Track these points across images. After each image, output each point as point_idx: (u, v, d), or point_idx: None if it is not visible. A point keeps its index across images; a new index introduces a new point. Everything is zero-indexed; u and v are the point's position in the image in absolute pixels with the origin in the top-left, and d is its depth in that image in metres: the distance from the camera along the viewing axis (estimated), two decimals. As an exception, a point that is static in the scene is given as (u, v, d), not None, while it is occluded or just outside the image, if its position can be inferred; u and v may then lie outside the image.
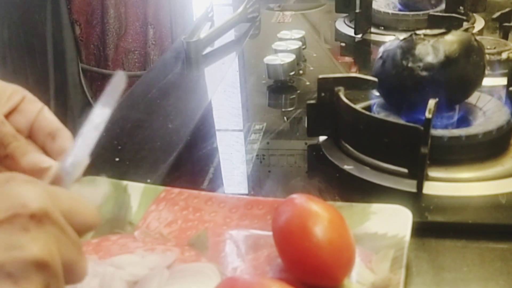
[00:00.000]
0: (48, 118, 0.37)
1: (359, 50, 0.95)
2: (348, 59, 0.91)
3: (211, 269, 0.44)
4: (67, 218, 0.29)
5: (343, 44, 0.97)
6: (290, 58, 0.78)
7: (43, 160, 0.33)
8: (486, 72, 0.60)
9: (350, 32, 0.97)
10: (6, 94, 0.37)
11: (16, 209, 0.27)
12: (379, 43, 0.89)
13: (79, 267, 0.29)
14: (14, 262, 0.26)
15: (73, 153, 0.34)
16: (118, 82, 0.35)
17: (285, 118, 0.70)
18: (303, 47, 0.87)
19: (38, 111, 0.37)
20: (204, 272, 0.43)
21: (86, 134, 0.34)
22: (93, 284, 0.42)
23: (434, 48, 0.57)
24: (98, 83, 1.86)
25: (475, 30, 0.94)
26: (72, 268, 0.29)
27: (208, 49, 0.93)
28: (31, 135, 0.37)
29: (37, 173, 0.32)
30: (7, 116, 0.37)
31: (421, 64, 0.57)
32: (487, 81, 0.63)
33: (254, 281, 0.38)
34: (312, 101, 0.61)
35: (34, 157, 0.33)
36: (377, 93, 0.63)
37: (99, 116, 0.35)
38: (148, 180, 0.56)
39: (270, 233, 0.43)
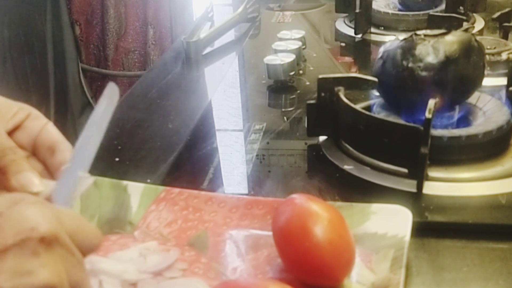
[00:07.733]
0: (50, 132, 0.37)
1: (359, 50, 0.95)
2: (348, 59, 0.91)
3: (201, 284, 0.42)
4: (72, 238, 0.29)
5: (343, 44, 0.97)
6: (290, 58, 0.78)
7: (34, 184, 0.33)
8: (486, 72, 0.60)
9: (350, 32, 0.97)
10: (12, 111, 0.37)
11: (26, 233, 0.27)
12: (379, 43, 0.89)
13: (85, 286, 0.30)
14: None
15: (71, 170, 0.33)
16: (111, 94, 0.35)
17: (285, 118, 0.70)
18: (303, 47, 0.87)
19: (42, 127, 0.37)
20: (192, 286, 0.43)
21: (83, 147, 0.33)
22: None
23: (434, 48, 0.57)
24: (98, 83, 1.86)
25: (475, 30, 0.94)
26: (78, 287, 0.29)
27: (208, 49, 0.93)
28: (34, 152, 0.37)
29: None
30: (11, 133, 0.37)
31: (421, 65, 0.57)
32: (487, 81, 0.63)
33: (249, 284, 0.38)
34: (312, 101, 0.61)
35: (25, 177, 0.33)
36: (377, 93, 0.63)
37: (96, 126, 0.34)
38: (148, 180, 0.56)
39: (270, 233, 0.43)
